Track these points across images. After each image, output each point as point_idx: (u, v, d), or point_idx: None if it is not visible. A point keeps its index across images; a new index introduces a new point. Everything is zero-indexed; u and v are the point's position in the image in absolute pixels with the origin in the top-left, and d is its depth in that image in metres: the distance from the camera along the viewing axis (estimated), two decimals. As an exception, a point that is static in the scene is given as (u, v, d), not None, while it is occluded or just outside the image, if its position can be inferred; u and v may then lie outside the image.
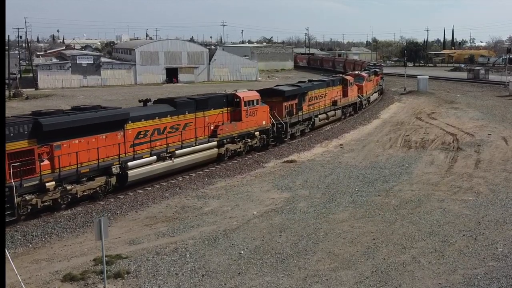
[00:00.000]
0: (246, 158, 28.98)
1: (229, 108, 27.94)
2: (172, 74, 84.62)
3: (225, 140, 27.33)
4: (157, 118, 23.63)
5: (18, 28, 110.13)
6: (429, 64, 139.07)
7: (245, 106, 28.48)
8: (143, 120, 22.96)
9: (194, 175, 25.42)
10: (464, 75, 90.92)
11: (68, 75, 76.94)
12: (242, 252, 15.93)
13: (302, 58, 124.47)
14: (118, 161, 21.58)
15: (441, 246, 16.17)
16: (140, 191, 22.64)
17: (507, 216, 19.22)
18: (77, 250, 16.49)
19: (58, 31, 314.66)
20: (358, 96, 47.61)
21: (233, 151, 28.26)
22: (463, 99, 59.54)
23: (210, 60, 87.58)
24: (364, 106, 50.23)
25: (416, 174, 25.96)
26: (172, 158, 24.11)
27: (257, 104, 29.50)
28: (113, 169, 21.41)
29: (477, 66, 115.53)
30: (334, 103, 40.77)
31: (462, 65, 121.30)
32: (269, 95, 31.96)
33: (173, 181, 24.21)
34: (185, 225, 18.57)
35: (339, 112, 42.11)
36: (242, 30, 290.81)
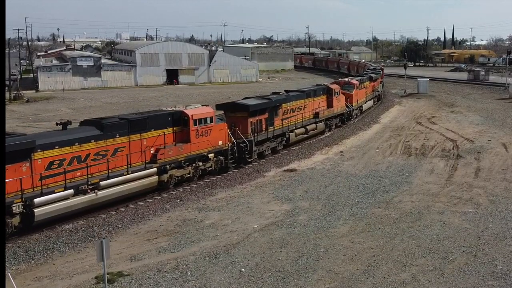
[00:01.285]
0: (246, 167, 29.07)
1: (175, 128, 24.55)
2: (172, 76, 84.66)
3: (168, 166, 23.87)
4: (77, 144, 20.38)
5: (18, 29, 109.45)
6: (429, 64, 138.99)
7: (195, 125, 25.10)
8: (57, 147, 19.75)
9: (195, 185, 25.50)
10: (464, 75, 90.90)
11: (69, 77, 76.99)
12: (243, 269, 16.02)
13: (307, 59, 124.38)
14: (20, 198, 18.49)
15: (441, 264, 16.25)
16: (141, 203, 22.74)
17: (507, 230, 19.30)
18: (79, 267, 16.58)
19: (58, 29, 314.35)
20: (347, 106, 44.20)
21: (179, 178, 24.87)
22: (463, 102, 59.59)
23: (210, 62, 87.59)
24: (354, 116, 46.80)
25: (416, 183, 26.04)
26: (96, 191, 20.81)
27: (211, 122, 26.13)
28: (14, 208, 18.30)
29: (478, 66, 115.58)
30: (316, 115, 37.53)
31: (463, 65, 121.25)
32: (232, 110, 29.55)
33: (173, 192, 24.30)
34: (186, 240, 18.66)
35: (321, 125, 38.69)
36: (243, 30, 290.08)
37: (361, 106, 49.47)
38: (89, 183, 20.68)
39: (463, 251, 17.29)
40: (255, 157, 30.06)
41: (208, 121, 26.04)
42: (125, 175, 21.97)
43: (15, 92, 66.20)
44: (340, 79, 50.22)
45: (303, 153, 33.05)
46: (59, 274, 16.16)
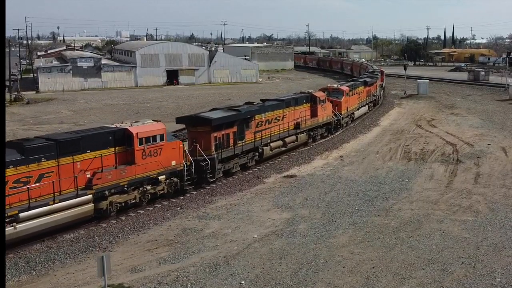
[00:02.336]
0: (246, 173, 29.15)
1: (117, 148, 21.82)
2: (172, 76, 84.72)
3: (107, 192, 21.10)
4: None
5: (18, 29, 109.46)
6: (429, 63, 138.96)
7: (141, 144, 22.27)
8: None
9: (194, 193, 25.58)
10: (464, 75, 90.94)
11: (69, 77, 77.06)
12: (243, 282, 16.11)
13: (311, 59, 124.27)
14: None
15: (440, 276, 16.33)
16: (142, 212, 22.81)
17: (506, 240, 19.38)
18: (80, 279, 16.66)
19: (58, 28, 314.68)
20: (335, 114, 41.05)
21: (122, 204, 22.13)
22: (463, 103, 59.65)
23: (210, 62, 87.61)
24: (344, 125, 43.71)
25: (415, 190, 26.12)
26: (14, 224, 18.27)
27: (162, 140, 23.24)
28: None
29: (478, 65, 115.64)
30: (297, 125, 34.75)
31: (463, 65, 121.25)
32: (193, 124, 27.00)
33: (174, 200, 24.37)
34: (186, 250, 18.74)
35: (303, 136, 35.55)
36: (243, 29, 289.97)
37: (353, 113, 46.42)
38: (6, 215, 17.94)
39: (462, 263, 17.37)
40: (219, 176, 27.12)
41: (158, 139, 23.12)
42: (51, 204, 19.26)
43: (15, 93, 66.25)
44: (329, 85, 45.49)
45: (303, 158, 33.12)
46: (60, 286, 16.25)
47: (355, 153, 34.79)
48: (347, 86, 44.78)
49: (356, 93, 47.62)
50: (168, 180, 24.07)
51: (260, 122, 30.82)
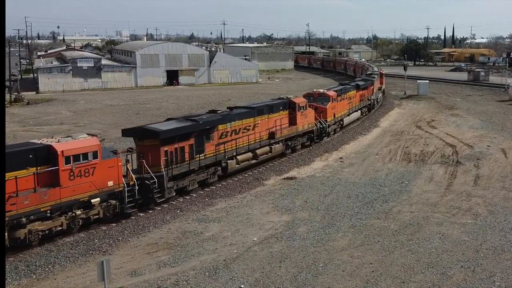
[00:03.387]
0: (246, 175, 29.16)
1: (38, 168, 19.20)
2: (172, 77, 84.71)
3: (24, 219, 18.63)
4: None
5: (18, 30, 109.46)
6: (429, 63, 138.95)
7: (67, 163, 19.55)
8: None
9: (194, 195, 25.61)
10: (464, 76, 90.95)
11: (69, 78, 77.05)
12: (242, 286, 16.14)
13: (316, 60, 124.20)
14: None
15: (439, 280, 16.36)
16: (142, 214, 22.83)
17: (505, 243, 19.41)
18: (80, 283, 16.69)
19: (58, 27, 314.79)
20: (320, 122, 38.08)
21: (46, 232, 19.49)
22: (463, 104, 59.66)
23: (210, 63, 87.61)
24: (332, 133, 40.84)
25: (415, 192, 26.14)
26: None
27: (95, 157, 20.44)
28: None
29: (478, 65, 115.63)
30: (271, 135, 31.76)
31: (463, 65, 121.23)
32: (140, 137, 24.20)
33: (174, 203, 24.40)
34: (186, 253, 18.77)
35: (278, 146, 32.50)
36: (243, 29, 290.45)
37: (342, 120, 43.14)
38: None
39: (462, 266, 17.40)
40: (171, 195, 24.32)
41: (90, 156, 20.27)
42: None
43: (16, 93, 66.25)
44: (314, 90, 42.21)
45: (303, 160, 33.13)
46: (60, 290, 16.28)
47: (355, 155, 34.81)
48: (335, 91, 41.84)
49: (347, 98, 44.67)
50: (104, 203, 21.25)
51: (224, 133, 27.97)
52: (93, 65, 79.38)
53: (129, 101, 64.29)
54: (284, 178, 29.05)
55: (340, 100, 42.44)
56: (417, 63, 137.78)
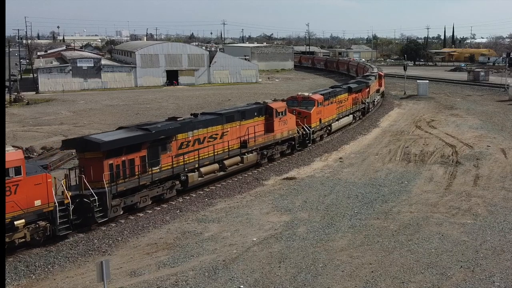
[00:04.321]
0: (246, 175, 29.16)
1: None
2: (172, 77, 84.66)
3: None
4: None
5: (18, 30, 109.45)
6: (429, 63, 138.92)
7: None
8: None
9: (194, 195, 25.61)
10: (464, 76, 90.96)
11: (69, 78, 77.02)
12: (242, 286, 16.13)
13: (319, 60, 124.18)
14: None
15: (438, 280, 16.35)
16: (141, 215, 22.83)
17: (504, 244, 19.41)
18: (79, 283, 16.69)
19: (58, 27, 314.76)
20: (304, 128, 35.28)
21: None
22: (462, 104, 59.64)
23: (210, 63, 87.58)
24: (318, 139, 38.17)
25: (415, 192, 26.14)
26: None
27: (18, 173, 18.18)
28: None
29: (478, 65, 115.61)
30: (243, 144, 29.15)
31: (462, 65, 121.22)
32: (81, 149, 21.69)
33: (173, 203, 24.40)
34: (185, 254, 18.77)
35: (252, 156, 29.62)
36: (242, 29, 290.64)
37: (329, 125, 40.42)
38: None
39: (461, 267, 17.39)
40: (117, 214, 21.80)
41: (12, 173, 17.99)
42: None
43: (15, 93, 66.25)
44: (299, 93, 39.35)
45: (302, 160, 33.12)
46: (59, 290, 16.28)
47: (355, 155, 34.80)
48: (321, 95, 38.86)
49: (336, 101, 41.67)
50: (32, 225, 18.87)
51: (185, 143, 25.41)
52: (93, 65, 79.35)
53: (129, 101, 64.28)
54: (283, 178, 29.03)
55: (328, 104, 39.63)
56: (417, 63, 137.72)
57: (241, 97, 67.19)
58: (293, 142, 34.23)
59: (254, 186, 27.52)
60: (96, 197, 20.46)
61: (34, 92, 73.37)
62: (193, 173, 25.63)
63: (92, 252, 19.14)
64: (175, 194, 24.86)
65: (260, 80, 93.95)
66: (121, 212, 22.08)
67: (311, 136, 36.27)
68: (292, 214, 22.89)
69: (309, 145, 36.26)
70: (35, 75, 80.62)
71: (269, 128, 31.45)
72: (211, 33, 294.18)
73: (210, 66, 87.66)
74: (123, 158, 21.99)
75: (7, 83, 69.45)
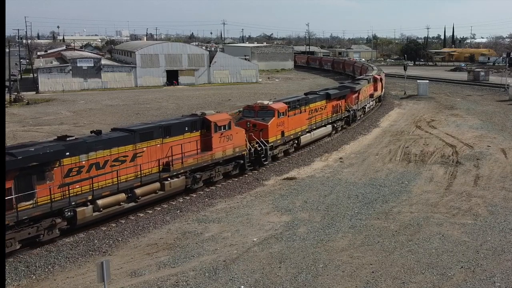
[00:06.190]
0: (246, 176, 29.13)
1: None
2: (172, 77, 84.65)
3: None
4: None
5: (18, 29, 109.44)
6: (429, 63, 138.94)
7: None
8: None
9: (194, 195, 25.60)
10: (464, 76, 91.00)
11: (69, 78, 76.99)
12: (242, 287, 16.13)
13: (326, 61, 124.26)
14: None
15: (439, 281, 16.34)
16: (141, 215, 22.82)
17: (505, 244, 19.39)
18: (80, 283, 16.68)
19: (58, 27, 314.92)
20: (258, 142, 30.21)
21: None
22: (463, 104, 59.63)
23: (210, 63, 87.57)
24: (281, 155, 33.01)
25: (415, 193, 26.13)
26: None
27: None
28: None
29: (478, 65, 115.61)
30: (166, 167, 24.13)
31: (463, 65, 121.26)
32: None
33: (173, 203, 24.39)
34: (186, 254, 18.76)
35: (177, 181, 24.44)
36: (243, 29, 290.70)
37: (297, 138, 34.98)
38: None
39: (462, 267, 17.38)
40: None
41: None
42: None
43: (15, 93, 66.22)
44: (258, 101, 33.51)
45: (302, 160, 33.11)
46: (60, 291, 16.26)
47: (355, 155, 34.78)
48: (285, 103, 33.33)
49: (308, 110, 36.38)
50: None
51: (75, 169, 20.46)
52: (93, 65, 79.33)
53: (129, 101, 64.26)
54: (284, 179, 29.02)
55: (295, 114, 34.20)
56: (417, 63, 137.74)
57: (241, 97, 67.20)
58: (242, 161, 29.07)
59: (255, 186, 27.51)
60: None
61: (34, 92, 73.35)
62: (85, 207, 20.39)
63: (92, 252, 19.12)
64: (58, 235, 19.84)
65: (260, 80, 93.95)
66: None
67: (269, 152, 31.06)
68: (293, 214, 22.88)
69: (265, 163, 30.82)
70: (35, 75, 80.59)
71: (206, 146, 26.43)
72: (211, 33, 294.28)
73: (210, 66, 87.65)
74: None
75: (7, 83, 69.45)
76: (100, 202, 20.93)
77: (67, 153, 20.09)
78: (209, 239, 20.18)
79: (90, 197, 20.62)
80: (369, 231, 20.81)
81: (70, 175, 20.31)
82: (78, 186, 20.50)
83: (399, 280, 16.47)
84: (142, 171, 22.83)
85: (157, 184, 23.55)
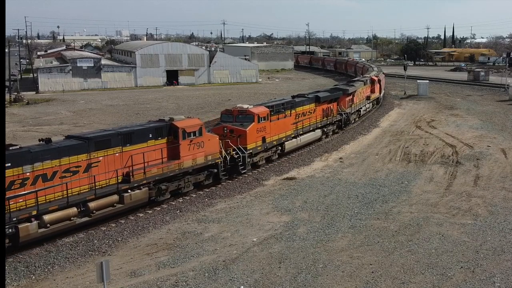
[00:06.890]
0: (246, 176, 29.12)
1: None
2: (172, 77, 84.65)
3: None
4: None
5: (18, 29, 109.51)
6: (429, 63, 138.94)
7: None
8: None
9: (194, 195, 25.59)
10: (464, 76, 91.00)
11: (69, 78, 76.98)
12: (242, 287, 16.12)
13: (329, 61, 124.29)
14: None
15: (439, 281, 16.33)
16: (141, 215, 22.81)
17: (505, 244, 19.38)
18: (80, 283, 16.67)
19: (58, 27, 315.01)
20: (237, 149, 28.38)
21: None
22: (463, 104, 59.63)
23: (210, 63, 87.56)
24: (261, 162, 31.12)
25: (415, 193, 26.12)
26: None
27: None
28: None
29: (478, 65, 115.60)
30: (126, 177, 22.32)
31: (463, 65, 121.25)
32: None
33: (173, 203, 24.38)
34: (185, 254, 18.75)
35: (139, 193, 22.62)
36: (243, 29, 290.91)
37: (281, 144, 33.02)
38: None
39: (461, 267, 17.37)
40: None
41: None
42: None
43: (15, 93, 66.23)
44: (238, 105, 31.46)
45: (302, 160, 33.10)
46: (59, 291, 16.26)
47: (355, 155, 34.77)
48: (267, 107, 31.54)
49: (294, 114, 34.45)
50: None
51: (17, 181, 18.85)
52: (93, 65, 79.32)
53: (129, 101, 64.26)
54: (283, 179, 29.02)
55: (278, 119, 32.29)
56: (417, 63, 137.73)
57: (241, 97, 67.17)
58: (216, 170, 27.21)
59: (254, 186, 27.50)
60: None
61: (34, 92, 73.35)
62: (28, 224, 18.78)
63: (92, 252, 19.12)
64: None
65: (260, 80, 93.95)
66: None
67: (248, 160, 29.24)
68: (292, 215, 22.87)
69: (243, 172, 28.86)
70: (35, 75, 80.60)
71: (173, 154, 24.54)
72: (211, 33, 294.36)
73: (210, 66, 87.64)
74: None
75: (7, 83, 69.44)
76: (46, 217, 19.27)
77: (8, 164, 18.32)
78: (208, 239, 20.17)
79: (34, 212, 18.97)
80: (369, 231, 20.80)
81: (12, 188, 18.61)
82: (21, 200, 18.87)
83: (399, 280, 16.46)
84: (97, 183, 21.04)
85: (115, 197, 21.71)
